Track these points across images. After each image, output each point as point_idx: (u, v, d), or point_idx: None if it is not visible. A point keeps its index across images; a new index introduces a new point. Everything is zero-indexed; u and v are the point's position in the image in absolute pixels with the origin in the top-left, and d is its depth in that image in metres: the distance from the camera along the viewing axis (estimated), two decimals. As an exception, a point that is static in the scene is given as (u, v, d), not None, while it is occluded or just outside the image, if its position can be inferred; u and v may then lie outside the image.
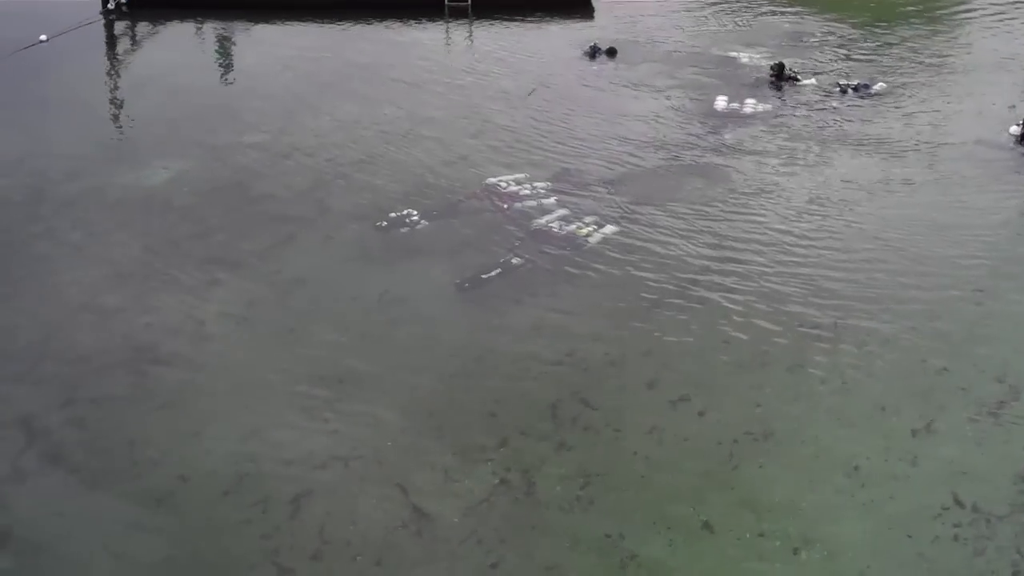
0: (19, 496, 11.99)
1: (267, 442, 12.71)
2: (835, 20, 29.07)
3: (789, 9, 30.30)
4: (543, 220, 17.62)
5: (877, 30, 28.32)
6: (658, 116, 22.52)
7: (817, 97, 23.31)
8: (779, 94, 23.37)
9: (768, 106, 22.76)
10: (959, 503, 11.70)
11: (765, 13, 30.01)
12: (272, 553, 11.16)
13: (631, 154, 20.57)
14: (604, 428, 12.94)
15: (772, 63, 24.46)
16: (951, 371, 13.93)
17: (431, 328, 15.00)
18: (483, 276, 16.09)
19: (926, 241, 17.08)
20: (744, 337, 14.61)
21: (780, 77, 24.01)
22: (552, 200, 18.41)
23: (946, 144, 20.91)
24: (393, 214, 17.90)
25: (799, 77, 24.24)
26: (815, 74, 24.67)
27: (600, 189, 18.99)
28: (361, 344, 14.61)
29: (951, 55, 26.55)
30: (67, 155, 20.50)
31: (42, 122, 22.24)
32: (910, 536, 11.30)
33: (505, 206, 18.28)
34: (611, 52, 26.25)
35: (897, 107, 22.88)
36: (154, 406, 13.41)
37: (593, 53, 26.28)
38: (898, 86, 24.04)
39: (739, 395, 13.51)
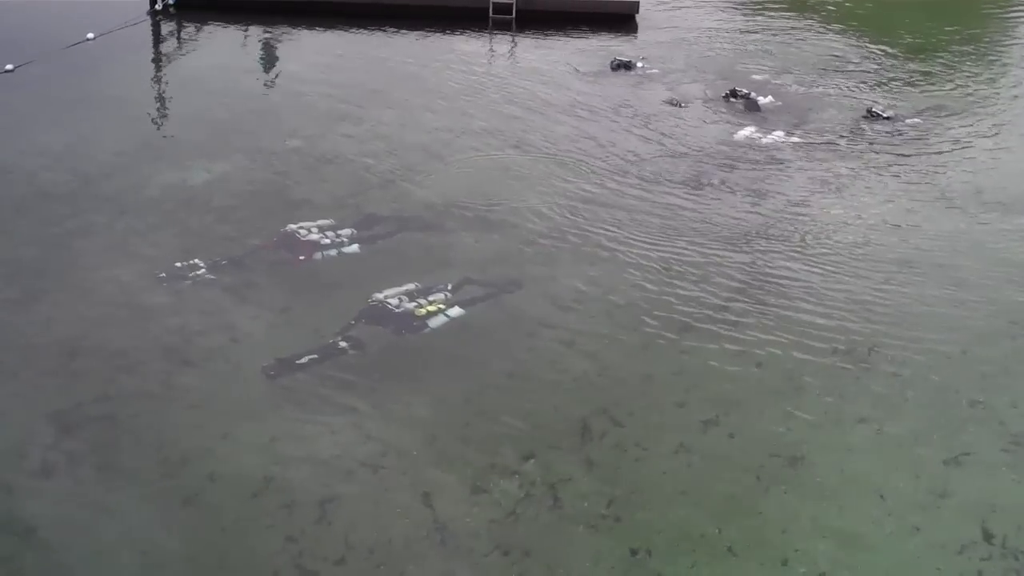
0: (48, 490, 12.11)
1: (296, 446, 12.78)
2: (879, 44, 28.88)
3: (834, 32, 30.14)
4: (382, 295, 15.54)
5: (921, 56, 28.13)
6: (661, 139, 22.47)
7: (849, 127, 23.02)
8: (801, 124, 23.13)
9: (795, 139, 22.38)
10: (989, 537, 11.60)
11: (809, 35, 29.85)
12: (296, 556, 11.21)
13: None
14: (632, 446, 12.93)
15: (727, 90, 24.79)
16: (984, 403, 13.82)
17: (465, 339, 15.04)
18: (298, 361, 14.25)
19: (963, 272, 16.93)
20: (777, 362, 14.56)
21: (734, 95, 24.45)
22: (354, 248, 17.14)
23: (987, 177, 20.69)
24: (178, 264, 16.41)
25: (751, 95, 24.46)
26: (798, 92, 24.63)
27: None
28: (394, 351, 14.65)
29: (997, 87, 26.28)
30: (110, 152, 20.71)
31: (87, 119, 22.48)
32: (939, 569, 11.21)
33: (302, 257, 16.87)
34: (628, 66, 26.65)
35: (939, 139, 22.60)
36: (185, 405, 13.51)
37: (617, 67, 26.67)
38: (942, 117, 23.77)
39: (770, 419, 13.45)
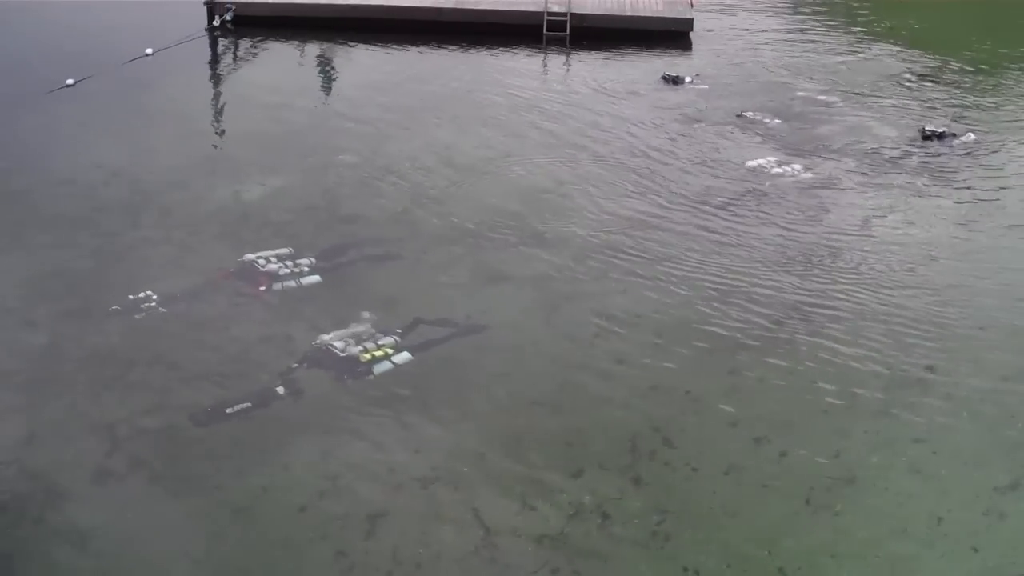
0: (103, 498, 12.26)
1: (347, 460, 12.84)
2: (937, 61, 28.56)
3: (891, 49, 29.88)
4: (328, 336, 15.07)
5: (979, 74, 27.77)
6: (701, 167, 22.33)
7: (903, 146, 22.72)
8: (833, 146, 22.78)
9: (813, 175, 21.29)
10: (1045, 563, 11.44)
11: (866, 52, 29.63)
12: (346, 570, 11.27)
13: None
14: (682, 465, 12.86)
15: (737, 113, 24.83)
16: (1042, 426, 13.64)
17: (516, 355, 15.05)
18: (227, 411, 13.71)
19: (1021, 295, 16.71)
20: (830, 381, 14.43)
21: (740, 116, 24.61)
22: (315, 279, 16.69)
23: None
24: (131, 296, 16.02)
25: (751, 115, 24.50)
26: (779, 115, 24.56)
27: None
28: (445, 368, 14.69)
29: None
30: (167, 166, 20.97)
31: (145, 133, 22.79)
32: (992, 594, 11.08)
33: (262, 287, 16.49)
34: (677, 80, 26.99)
35: (998, 159, 22.16)
36: (239, 418, 13.61)
37: (666, 81, 27.05)
38: (1001, 136, 23.32)
39: (822, 439, 13.34)
